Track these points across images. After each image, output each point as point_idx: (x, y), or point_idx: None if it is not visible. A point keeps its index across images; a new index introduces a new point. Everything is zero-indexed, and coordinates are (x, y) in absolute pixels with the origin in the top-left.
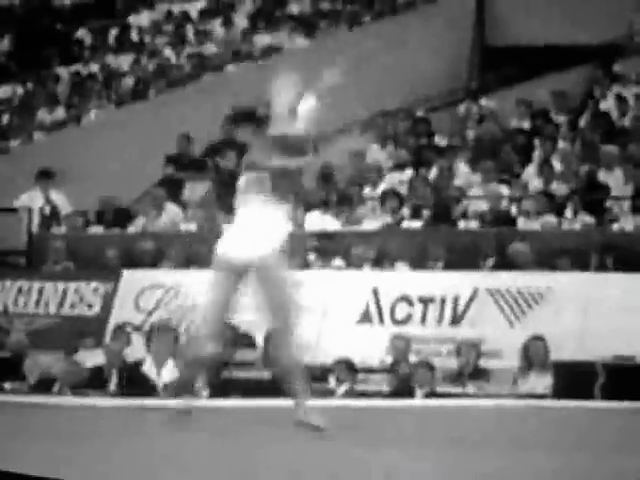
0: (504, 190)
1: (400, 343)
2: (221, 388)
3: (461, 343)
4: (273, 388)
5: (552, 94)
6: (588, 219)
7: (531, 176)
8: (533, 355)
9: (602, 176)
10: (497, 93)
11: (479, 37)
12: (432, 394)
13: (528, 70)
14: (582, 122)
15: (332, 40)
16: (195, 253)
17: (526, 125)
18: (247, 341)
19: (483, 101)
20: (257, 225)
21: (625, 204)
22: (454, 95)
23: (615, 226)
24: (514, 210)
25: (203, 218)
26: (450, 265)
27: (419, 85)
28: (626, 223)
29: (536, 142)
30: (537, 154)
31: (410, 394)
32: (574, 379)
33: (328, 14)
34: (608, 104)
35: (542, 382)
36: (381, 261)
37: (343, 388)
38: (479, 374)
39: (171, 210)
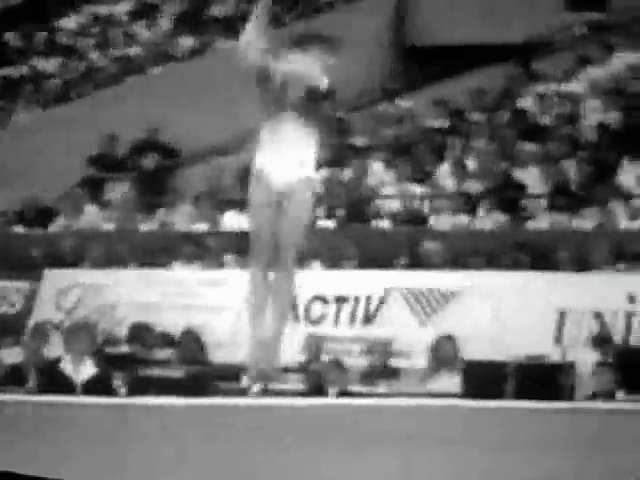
0: (417, 189)
1: (313, 342)
2: (138, 386)
3: (372, 342)
4: (189, 386)
5: (469, 92)
6: (502, 218)
7: (444, 175)
8: (442, 354)
9: (518, 174)
10: (416, 93)
11: (399, 37)
12: (344, 393)
13: (447, 69)
14: (499, 120)
15: None
16: (115, 253)
17: (443, 124)
18: (164, 340)
19: (401, 101)
20: None
21: (541, 202)
22: (373, 95)
23: (530, 224)
24: (427, 209)
25: (122, 218)
26: (363, 265)
27: (338, 85)
28: (542, 221)
29: (450, 141)
30: (451, 153)
31: (323, 393)
32: (485, 378)
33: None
34: (527, 102)
35: (451, 381)
36: None
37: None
38: (389, 373)
39: (90, 211)
